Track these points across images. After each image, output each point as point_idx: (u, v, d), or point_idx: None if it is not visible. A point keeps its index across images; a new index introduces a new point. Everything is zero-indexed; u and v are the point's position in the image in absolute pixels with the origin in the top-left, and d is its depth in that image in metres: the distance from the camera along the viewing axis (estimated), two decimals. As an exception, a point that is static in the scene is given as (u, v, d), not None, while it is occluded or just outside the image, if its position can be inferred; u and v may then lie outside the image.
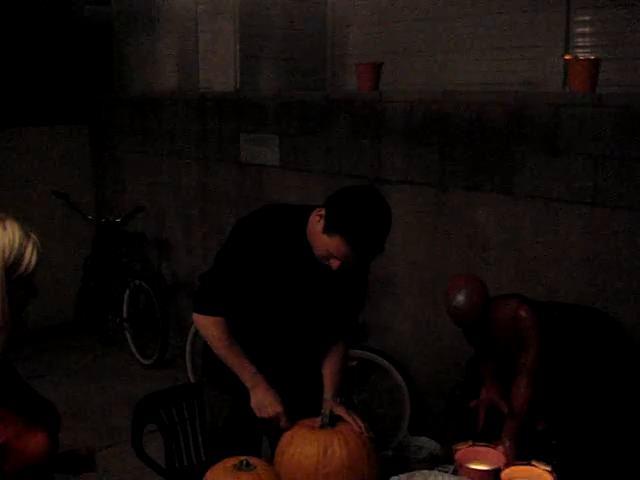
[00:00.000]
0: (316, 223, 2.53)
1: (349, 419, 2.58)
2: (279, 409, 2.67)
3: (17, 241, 1.77)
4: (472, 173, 4.10)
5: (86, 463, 2.12)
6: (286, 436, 2.56)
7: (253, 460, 2.31)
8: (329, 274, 2.57)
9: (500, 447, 2.81)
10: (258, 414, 2.70)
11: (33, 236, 1.83)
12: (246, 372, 2.71)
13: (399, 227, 4.50)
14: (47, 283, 6.33)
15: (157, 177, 6.46)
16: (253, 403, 2.70)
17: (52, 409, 1.98)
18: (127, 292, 6.26)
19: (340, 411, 2.61)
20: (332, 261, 2.52)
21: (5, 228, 1.77)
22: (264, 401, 2.69)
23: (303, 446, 2.46)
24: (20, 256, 1.78)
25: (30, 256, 1.79)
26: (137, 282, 6.11)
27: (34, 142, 6.63)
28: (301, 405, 2.71)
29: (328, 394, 2.73)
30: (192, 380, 5.47)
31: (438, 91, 4.46)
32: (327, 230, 2.48)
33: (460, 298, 3.05)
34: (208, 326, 2.72)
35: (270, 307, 2.71)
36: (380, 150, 4.53)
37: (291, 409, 2.69)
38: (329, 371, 2.81)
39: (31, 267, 1.80)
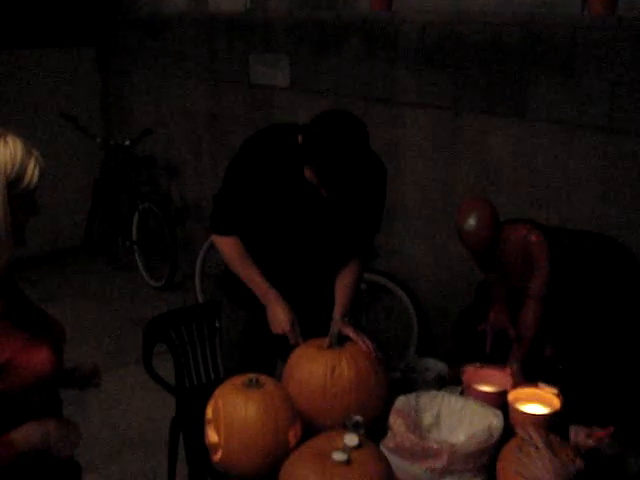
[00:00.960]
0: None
1: (357, 339, 2.58)
2: (287, 328, 2.69)
3: (19, 156, 1.75)
4: (486, 96, 4.03)
5: (91, 378, 2.14)
6: (294, 356, 2.57)
7: (262, 378, 2.32)
8: (338, 194, 2.56)
9: (507, 370, 2.82)
10: (272, 330, 2.74)
11: (35, 152, 1.80)
12: (261, 289, 2.76)
13: (411, 150, 4.46)
14: (56, 206, 6.40)
15: (166, 99, 6.39)
16: (268, 318, 2.74)
17: (56, 325, 1.98)
18: (136, 215, 6.26)
19: (348, 331, 2.61)
20: (321, 189, 2.53)
21: (7, 143, 1.75)
22: (276, 317, 2.72)
23: (311, 366, 2.47)
24: (22, 172, 1.75)
25: (32, 172, 1.77)
26: (146, 205, 6.10)
27: (41, 64, 6.54)
28: (314, 324, 2.72)
29: (337, 313, 2.73)
30: (201, 302, 5.51)
31: (452, 11, 4.34)
32: (303, 160, 2.48)
33: (471, 222, 3.03)
34: (224, 245, 2.79)
35: (280, 226, 2.72)
36: (393, 72, 4.45)
37: (305, 328, 2.71)
38: (340, 291, 2.81)
39: (33, 183, 1.78)
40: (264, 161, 2.63)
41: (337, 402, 2.41)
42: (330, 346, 2.55)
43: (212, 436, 2.29)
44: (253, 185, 2.65)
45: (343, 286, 2.82)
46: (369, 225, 2.85)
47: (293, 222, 2.71)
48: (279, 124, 2.85)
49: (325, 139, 2.39)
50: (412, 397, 2.47)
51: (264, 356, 2.88)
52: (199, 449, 2.44)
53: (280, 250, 2.78)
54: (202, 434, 2.36)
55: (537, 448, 2.01)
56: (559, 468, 1.94)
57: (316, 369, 2.45)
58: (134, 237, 6.34)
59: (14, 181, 1.75)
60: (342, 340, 2.58)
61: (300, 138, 2.49)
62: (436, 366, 2.91)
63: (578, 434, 2.08)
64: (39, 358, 1.80)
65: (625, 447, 2.04)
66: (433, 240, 4.46)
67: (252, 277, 2.77)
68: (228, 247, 2.78)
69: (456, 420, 2.47)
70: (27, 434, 1.78)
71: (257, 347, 2.90)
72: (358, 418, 2.26)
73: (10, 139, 1.77)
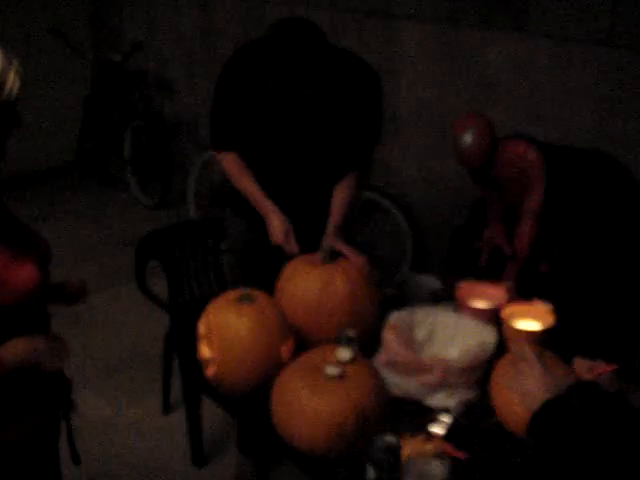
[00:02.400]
0: None
1: (349, 254, 2.56)
2: (280, 238, 2.67)
3: None
4: (485, 9, 3.93)
5: (78, 294, 2.12)
6: (287, 271, 2.55)
7: (255, 293, 2.31)
8: (331, 104, 2.51)
9: (502, 286, 2.81)
10: (271, 241, 2.74)
11: (15, 62, 1.73)
12: (258, 201, 2.77)
13: (408, 65, 4.37)
14: (48, 124, 6.30)
15: (157, 13, 6.23)
16: (267, 230, 2.74)
17: (42, 242, 1.95)
18: (128, 132, 6.17)
19: (340, 246, 2.59)
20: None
21: None
22: (272, 228, 2.71)
23: (304, 281, 2.45)
24: (2, 82, 1.69)
25: (12, 82, 1.70)
26: (138, 122, 6.02)
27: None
28: (314, 238, 2.69)
29: (330, 228, 2.70)
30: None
31: None
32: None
33: (467, 138, 3.00)
34: (224, 161, 2.84)
35: (273, 137, 2.71)
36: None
37: (305, 242, 2.69)
38: (335, 206, 2.79)
39: (14, 94, 1.72)
40: (247, 73, 2.61)
41: (330, 317, 2.40)
42: (323, 261, 2.53)
43: (205, 351, 2.29)
44: (241, 98, 2.65)
45: (338, 201, 2.79)
46: (364, 134, 2.80)
47: (284, 132, 2.69)
48: (264, 37, 2.78)
49: (276, 48, 2.37)
50: (406, 313, 2.47)
51: (267, 266, 2.86)
52: (193, 364, 2.45)
53: (277, 162, 2.78)
54: (195, 350, 2.36)
55: (530, 363, 2.01)
56: (551, 383, 1.93)
57: (309, 284, 2.43)
58: (126, 155, 6.26)
59: None
60: (335, 256, 2.56)
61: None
62: (430, 282, 2.90)
63: (580, 367, 2.06)
64: (24, 274, 1.78)
65: (627, 383, 2.02)
66: (429, 157, 4.41)
67: (250, 190, 2.78)
68: (227, 163, 2.82)
69: (450, 336, 2.48)
70: (15, 350, 1.77)
71: (260, 257, 2.90)
72: (351, 333, 2.26)
73: None
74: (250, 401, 2.30)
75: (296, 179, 2.81)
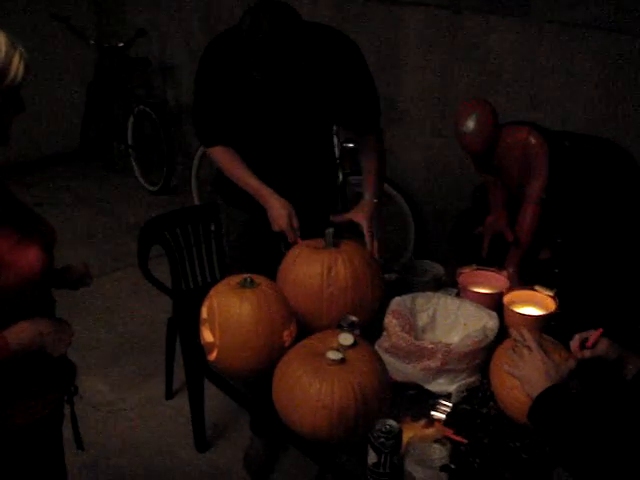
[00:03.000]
0: None
1: (368, 237, 2.63)
2: (284, 226, 2.67)
3: (3, 50, 1.67)
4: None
5: (83, 278, 2.12)
6: (290, 256, 2.55)
7: (257, 278, 2.32)
8: (317, 82, 2.52)
9: (503, 272, 2.82)
10: (272, 228, 2.73)
11: (20, 47, 1.72)
12: (255, 189, 2.75)
13: (410, 50, 4.36)
14: (51, 110, 6.31)
15: (159, -1, 6.23)
16: (268, 217, 2.73)
17: (47, 226, 1.95)
18: (131, 118, 6.18)
19: (366, 226, 2.66)
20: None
21: None
22: (274, 214, 2.70)
23: (307, 266, 2.45)
24: (7, 67, 1.68)
25: (17, 67, 1.69)
26: (141, 108, 6.02)
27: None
28: (311, 224, 2.69)
29: (367, 194, 2.78)
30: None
31: None
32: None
33: (470, 124, 2.98)
34: (215, 155, 2.81)
35: (259, 123, 2.69)
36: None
37: (303, 229, 2.70)
38: (366, 175, 2.85)
39: (18, 79, 1.71)
40: (225, 65, 2.58)
41: (333, 302, 2.41)
42: (325, 246, 2.53)
43: (207, 336, 2.29)
44: (222, 91, 2.63)
45: (367, 166, 2.86)
46: (361, 99, 2.78)
47: (273, 118, 2.68)
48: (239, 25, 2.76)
49: (250, 28, 2.36)
50: (408, 298, 2.47)
51: (266, 255, 2.87)
52: (195, 349, 2.45)
53: (269, 149, 2.77)
54: (198, 335, 2.37)
55: (530, 349, 2.02)
56: (551, 369, 1.95)
57: (312, 269, 2.43)
58: (129, 141, 6.27)
59: None
60: (337, 241, 2.56)
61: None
62: (433, 268, 2.91)
63: (575, 344, 2.06)
64: (29, 257, 1.78)
65: (625, 350, 2.02)
66: (431, 143, 4.41)
67: (246, 180, 2.76)
68: (218, 156, 2.79)
69: (451, 321, 2.49)
70: (20, 333, 1.78)
71: (258, 246, 2.90)
72: (353, 318, 2.27)
73: None
74: (253, 386, 2.31)
75: (290, 164, 2.80)
